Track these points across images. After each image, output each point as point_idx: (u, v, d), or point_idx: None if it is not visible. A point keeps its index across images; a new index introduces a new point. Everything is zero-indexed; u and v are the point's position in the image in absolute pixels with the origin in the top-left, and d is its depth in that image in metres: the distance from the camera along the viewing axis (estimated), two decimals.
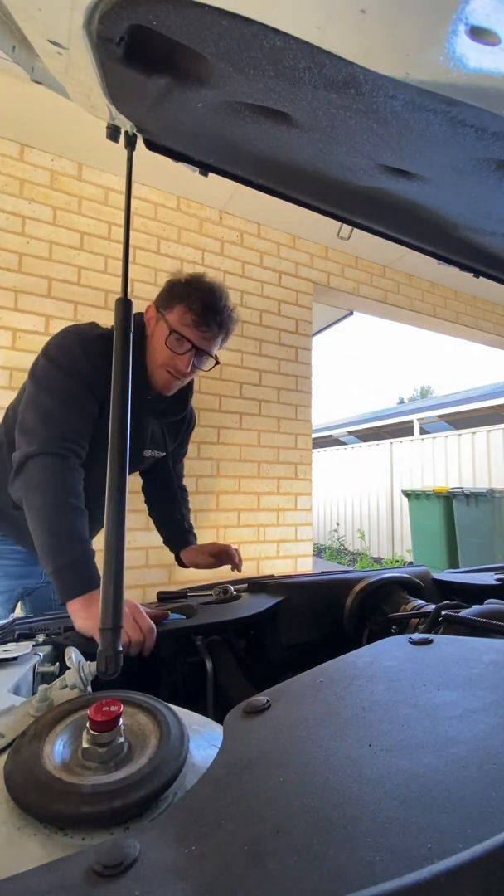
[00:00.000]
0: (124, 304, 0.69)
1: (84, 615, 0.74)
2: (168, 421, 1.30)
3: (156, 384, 1.15)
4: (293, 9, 0.40)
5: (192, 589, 1.02)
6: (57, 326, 2.39)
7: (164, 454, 1.32)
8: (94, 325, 1.14)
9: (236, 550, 1.34)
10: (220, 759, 0.36)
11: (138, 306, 0.85)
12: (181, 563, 1.40)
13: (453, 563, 4.37)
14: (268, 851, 0.26)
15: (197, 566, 1.37)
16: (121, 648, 0.54)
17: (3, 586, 1.21)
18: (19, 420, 1.00)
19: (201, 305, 1.08)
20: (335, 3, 0.39)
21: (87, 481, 0.96)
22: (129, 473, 1.24)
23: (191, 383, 1.31)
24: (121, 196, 2.59)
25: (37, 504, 0.87)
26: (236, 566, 1.31)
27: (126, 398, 0.64)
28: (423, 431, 9.43)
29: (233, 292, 2.95)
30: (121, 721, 0.39)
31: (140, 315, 1.16)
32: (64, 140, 2.37)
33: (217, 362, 1.19)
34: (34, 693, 0.49)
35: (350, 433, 12.44)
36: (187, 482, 1.44)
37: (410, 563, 4.77)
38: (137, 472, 1.42)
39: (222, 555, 1.34)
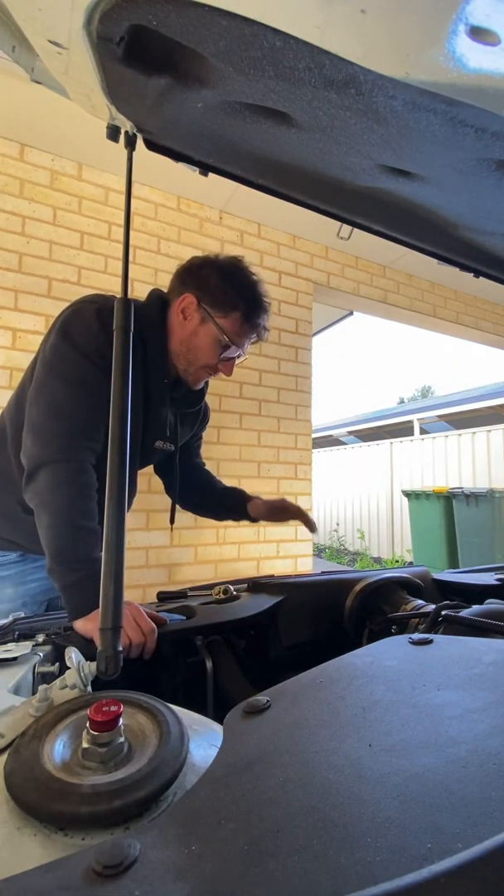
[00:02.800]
0: (124, 304, 0.69)
1: (85, 617, 0.74)
2: (183, 412, 1.22)
3: (189, 379, 1.11)
4: (293, 9, 0.40)
5: (192, 589, 1.02)
6: None
7: (174, 449, 1.22)
8: (108, 296, 1.05)
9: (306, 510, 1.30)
10: (220, 759, 0.36)
11: None
12: (250, 518, 1.34)
13: (453, 563, 4.37)
14: (268, 851, 0.26)
15: (268, 519, 1.32)
16: (121, 649, 0.54)
17: (31, 609, 1.15)
18: (27, 411, 0.93)
19: (257, 314, 1.05)
20: (335, 3, 0.39)
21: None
22: (141, 468, 1.23)
23: None
24: (121, 196, 2.59)
25: (45, 523, 0.84)
26: (313, 527, 1.28)
27: (126, 398, 0.64)
28: (423, 431, 9.43)
29: None
30: (121, 721, 0.39)
31: (159, 293, 1.11)
32: (64, 140, 2.37)
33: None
34: (34, 693, 0.49)
35: (350, 433, 12.44)
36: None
37: (410, 563, 4.77)
38: (153, 471, 1.34)
39: (295, 515, 1.29)
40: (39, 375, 0.95)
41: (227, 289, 1.04)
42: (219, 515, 1.41)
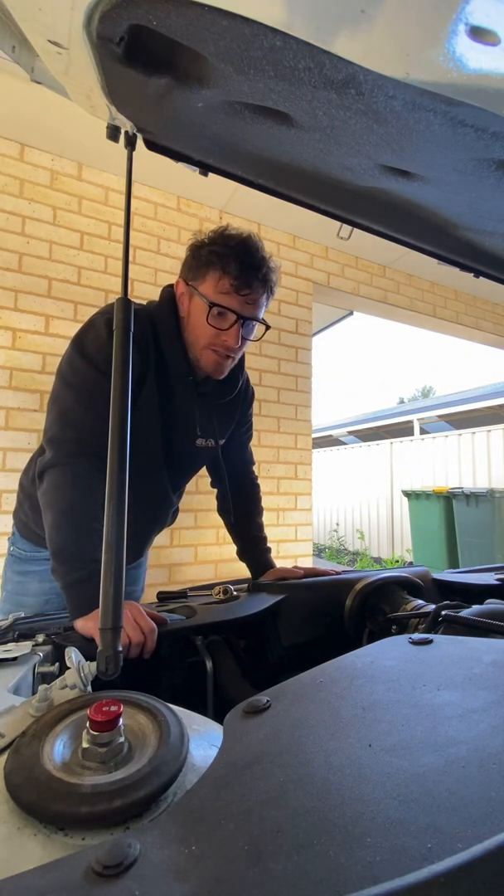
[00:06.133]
0: (124, 304, 0.69)
1: (85, 617, 0.74)
2: (219, 404, 1.13)
3: (204, 368, 1.02)
4: (293, 9, 0.40)
5: (192, 589, 1.02)
6: (57, 326, 2.39)
7: (215, 444, 1.15)
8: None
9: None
10: (220, 759, 0.36)
11: None
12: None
13: (453, 563, 4.37)
14: (268, 851, 0.26)
15: None
16: (121, 649, 0.54)
17: (55, 606, 1.14)
18: (46, 415, 0.98)
19: (237, 265, 0.92)
20: (335, 3, 0.39)
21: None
22: (193, 470, 1.19)
23: (242, 356, 1.14)
24: (121, 196, 2.59)
25: (49, 522, 0.86)
26: None
27: (126, 398, 0.64)
28: (423, 431, 9.43)
29: None
30: (121, 721, 0.39)
31: (170, 289, 1.06)
32: (64, 140, 2.37)
33: (267, 327, 1.03)
34: (34, 693, 0.49)
35: (350, 433, 12.44)
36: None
37: (410, 563, 4.77)
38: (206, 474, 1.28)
39: None
40: (54, 385, 0.97)
41: (197, 250, 0.97)
42: (237, 551, 1.29)
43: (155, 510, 1.18)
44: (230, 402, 1.17)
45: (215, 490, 1.36)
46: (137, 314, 0.90)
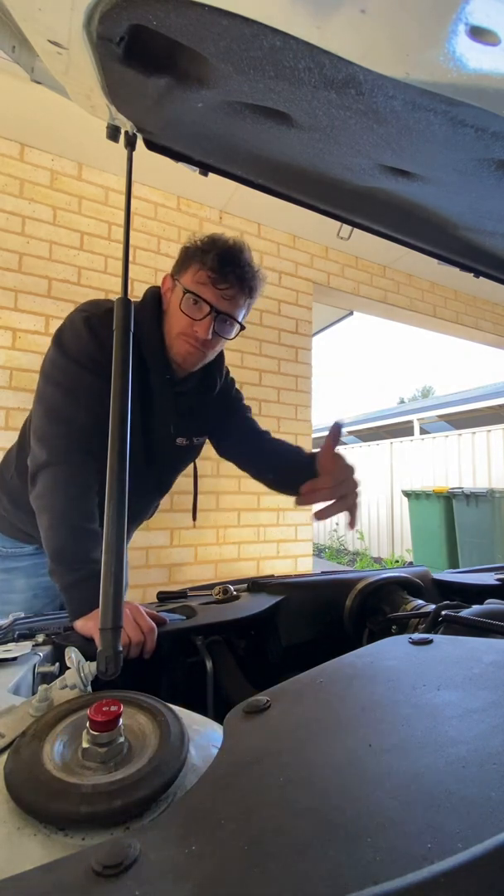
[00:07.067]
0: (124, 304, 0.69)
1: (85, 617, 0.74)
2: (201, 400, 1.15)
3: (174, 357, 1.03)
4: (293, 9, 0.40)
5: (192, 589, 1.02)
6: (57, 326, 2.39)
7: (193, 443, 1.18)
8: (104, 301, 1.04)
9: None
10: (220, 759, 0.36)
11: None
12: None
13: (453, 563, 4.37)
14: (268, 851, 0.26)
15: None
16: (121, 649, 0.54)
17: (43, 601, 1.16)
18: (32, 416, 0.98)
19: (217, 259, 0.95)
20: (335, 3, 0.39)
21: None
22: (180, 467, 1.19)
23: (221, 355, 1.14)
24: (121, 196, 2.59)
25: (45, 524, 0.85)
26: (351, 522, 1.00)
27: (126, 398, 0.64)
28: (423, 431, 9.43)
29: None
30: (121, 721, 0.39)
31: (154, 289, 1.08)
32: (64, 140, 2.37)
33: (242, 328, 1.04)
34: (34, 693, 0.49)
35: (350, 433, 12.44)
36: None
37: (410, 563, 4.77)
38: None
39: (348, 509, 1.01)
40: (39, 384, 0.98)
41: (187, 248, 1.01)
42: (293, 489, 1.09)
43: (137, 506, 1.18)
44: (208, 402, 1.17)
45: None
46: (137, 306, 0.93)
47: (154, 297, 1.07)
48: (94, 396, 0.90)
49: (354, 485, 0.99)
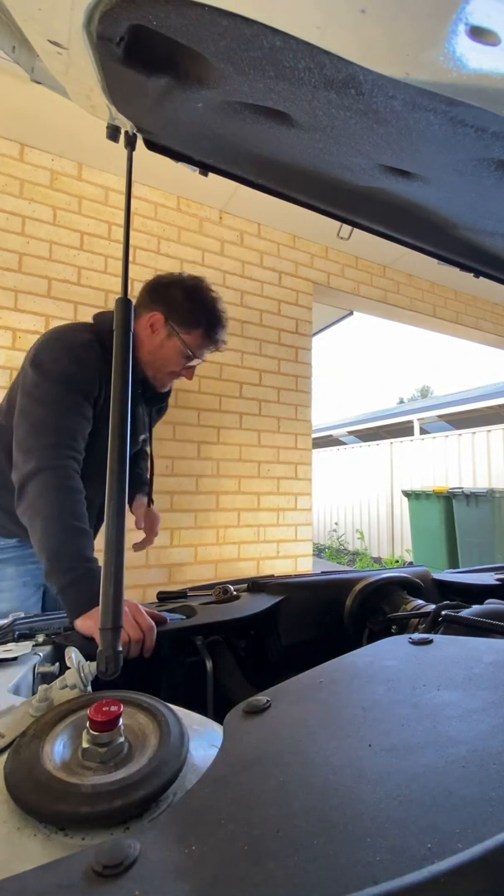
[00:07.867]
0: (124, 304, 0.70)
1: (84, 615, 0.74)
2: (154, 408, 1.41)
3: (158, 384, 1.27)
4: (293, 9, 0.40)
5: (192, 589, 1.02)
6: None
7: (146, 439, 1.43)
8: (76, 326, 1.20)
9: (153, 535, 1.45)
10: (220, 759, 0.36)
11: None
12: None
13: (453, 563, 4.37)
14: (268, 851, 0.26)
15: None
16: (121, 648, 0.54)
17: (33, 588, 1.22)
18: (14, 435, 1.02)
19: (218, 332, 1.19)
20: (335, 3, 0.39)
21: (86, 470, 0.99)
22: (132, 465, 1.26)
23: None
24: (121, 196, 2.59)
25: (39, 528, 0.88)
26: (138, 545, 1.40)
27: (126, 398, 0.64)
28: (423, 431, 9.43)
29: (233, 292, 2.95)
30: (121, 721, 0.39)
31: (125, 306, 1.21)
32: (64, 140, 2.36)
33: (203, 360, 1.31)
34: (34, 693, 0.49)
35: (350, 433, 12.44)
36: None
37: (410, 563, 4.77)
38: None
39: (148, 528, 1.43)
40: (21, 403, 1.05)
41: (192, 307, 1.18)
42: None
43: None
44: (159, 409, 1.46)
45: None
46: (108, 326, 0.98)
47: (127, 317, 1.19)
48: (80, 411, 1.05)
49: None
